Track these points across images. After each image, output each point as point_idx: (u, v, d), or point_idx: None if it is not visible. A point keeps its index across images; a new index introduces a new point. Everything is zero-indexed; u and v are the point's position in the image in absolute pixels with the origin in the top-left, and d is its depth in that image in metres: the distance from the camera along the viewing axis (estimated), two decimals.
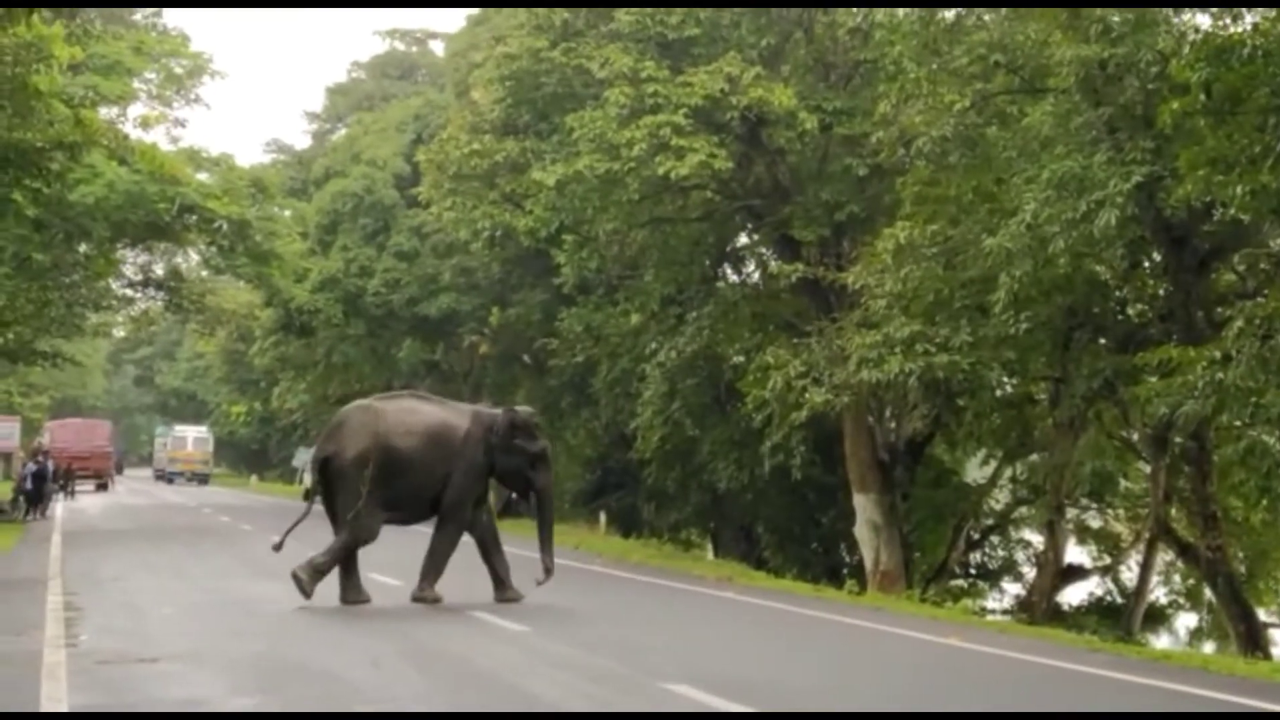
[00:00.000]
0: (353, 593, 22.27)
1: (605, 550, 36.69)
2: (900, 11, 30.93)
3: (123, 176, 43.40)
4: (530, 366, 58.78)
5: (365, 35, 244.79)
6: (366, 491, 22.11)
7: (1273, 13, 22.40)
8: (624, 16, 36.65)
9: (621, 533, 47.61)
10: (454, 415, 23.44)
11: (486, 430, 23.17)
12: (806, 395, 31.87)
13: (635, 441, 44.09)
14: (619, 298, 45.58)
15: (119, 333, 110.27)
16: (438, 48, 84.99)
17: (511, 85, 42.18)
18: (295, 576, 21.94)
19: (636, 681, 14.73)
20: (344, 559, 22.43)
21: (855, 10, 35.38)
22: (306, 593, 21.80)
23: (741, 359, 40.62)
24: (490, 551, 23.27)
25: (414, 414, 22.99)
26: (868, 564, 37.85)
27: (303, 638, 17.97)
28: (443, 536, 23.04)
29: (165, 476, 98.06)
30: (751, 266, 47.47)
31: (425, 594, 22.59)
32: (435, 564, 22.89)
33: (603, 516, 48.79)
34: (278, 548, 22.90)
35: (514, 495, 24.12)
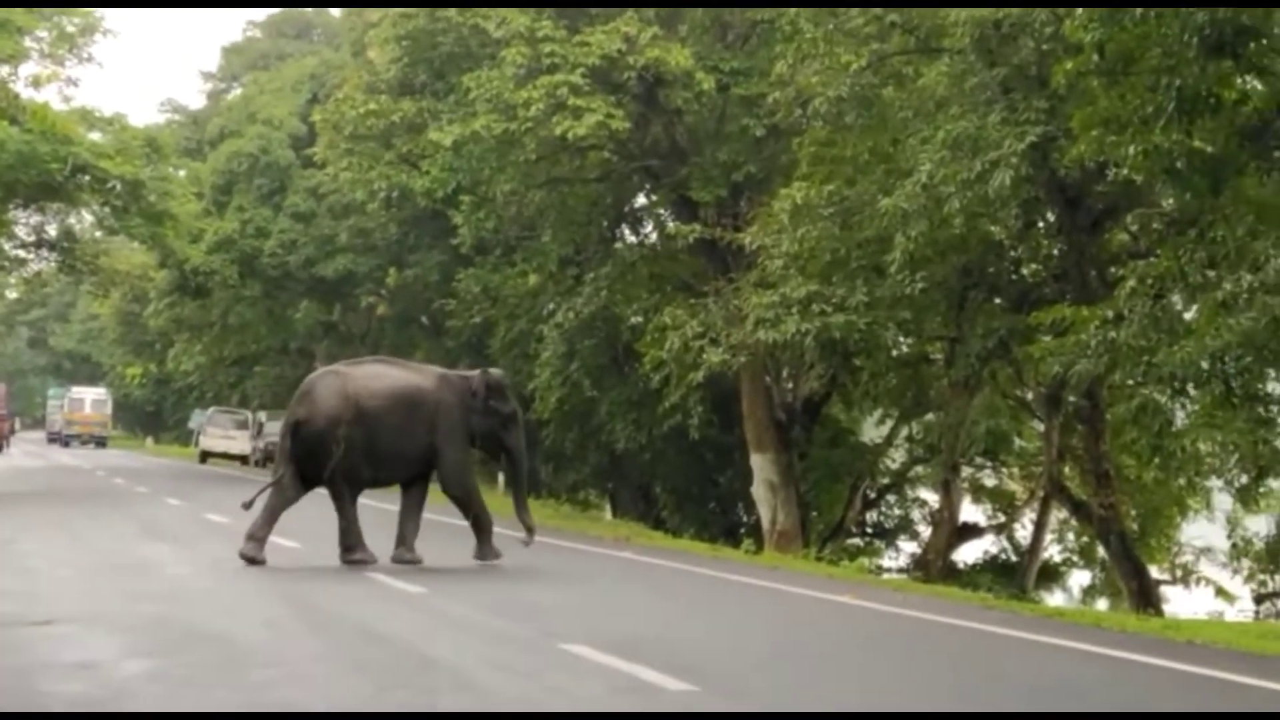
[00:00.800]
0: (254, 547, 22.12)
1: (503, 511, 36.47)
2: None
3: (14, 136, 42.93)
4: (428, 327, 58.64)
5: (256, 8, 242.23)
6: (341, 451, 22.08)
7: None
8: None
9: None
10: (420, 378, 23.43)
11: (461, 393, 23.19)
12: (704, 355, 31.98)
13: (533, 402, 44.07)
14: (516, 258, 45.57)
15: (12, 294, 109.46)
16: (334, 7, 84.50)
17: (408, 45, 42.11)
18: (350, 562, 22.13)
19: (535, 642, 14.73)
20: (347, 515, 22.53)
21: None
22: (369, 560, 22.13)
23: (639, 319, 40.66)
24: (410, 510, 23.22)
25: (381, 377, 22.98)
26: (765, 523, 38.04)
27: (197, 600, 17.85)
28: (471, 503, 23.23)
29: (61, 439, 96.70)
30: (649, 227, 47.58)
31: (486, 556, 22.96)
32: (483, 531, 23.14)
33: (501, 478, 48.68)
34: (247, 506, 23.03)
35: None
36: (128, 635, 14.76)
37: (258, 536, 22.11)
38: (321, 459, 22.33)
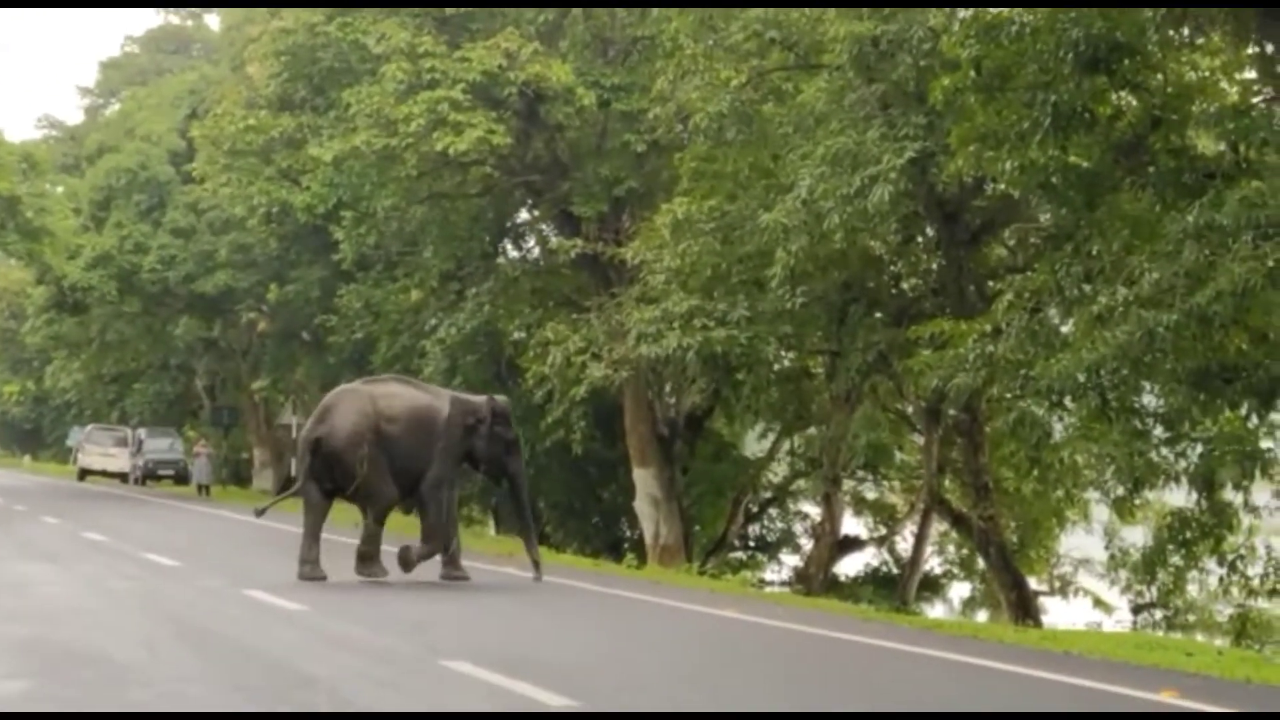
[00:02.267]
0: (310, 569, 22.80)
1: (386, 528, 36.39)
2: None
3: None
4: (309, 343, 58.26)
5: (139, 8, 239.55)
6: (365, 469, 22.76)
7: None
8: None
9: (402, 510, 47.32)
10: (434, 399, 24.12)
11: (465, 415, 23.77)
12: (586, 371, 32.07)
13: None
14: (398, 274, 45.45)
15: None
16: (213, 22, 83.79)
17: (287, 60, 41.94)
18: (361, 576, 23.05)
19: (417, 659, 14.68)
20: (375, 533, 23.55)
21: None
22: (381, 574, 23.11)
23: (522, 335, 40.63)
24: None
25: (398, 397, 23.68)
26: (648, 538, 38.09)
27: (75, 620, 17.66)
28: (431, 515, 23.73)
29: None
30: (532, 242, 47.56)
31: (455, 573, 23.58)
32: (437, 540, 23.68)
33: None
34: (259, 514, 24.76)
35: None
36: (3, 656, 14.60)
37: (309, 559, 22.79)
38: (340, 475, 23.01)
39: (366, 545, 23.27)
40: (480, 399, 24.65)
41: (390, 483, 23.24)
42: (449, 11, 36.63)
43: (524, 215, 46.01)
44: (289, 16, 41.61)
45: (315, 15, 39.88)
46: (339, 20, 38.72)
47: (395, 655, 14.95)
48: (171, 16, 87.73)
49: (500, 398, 25.31)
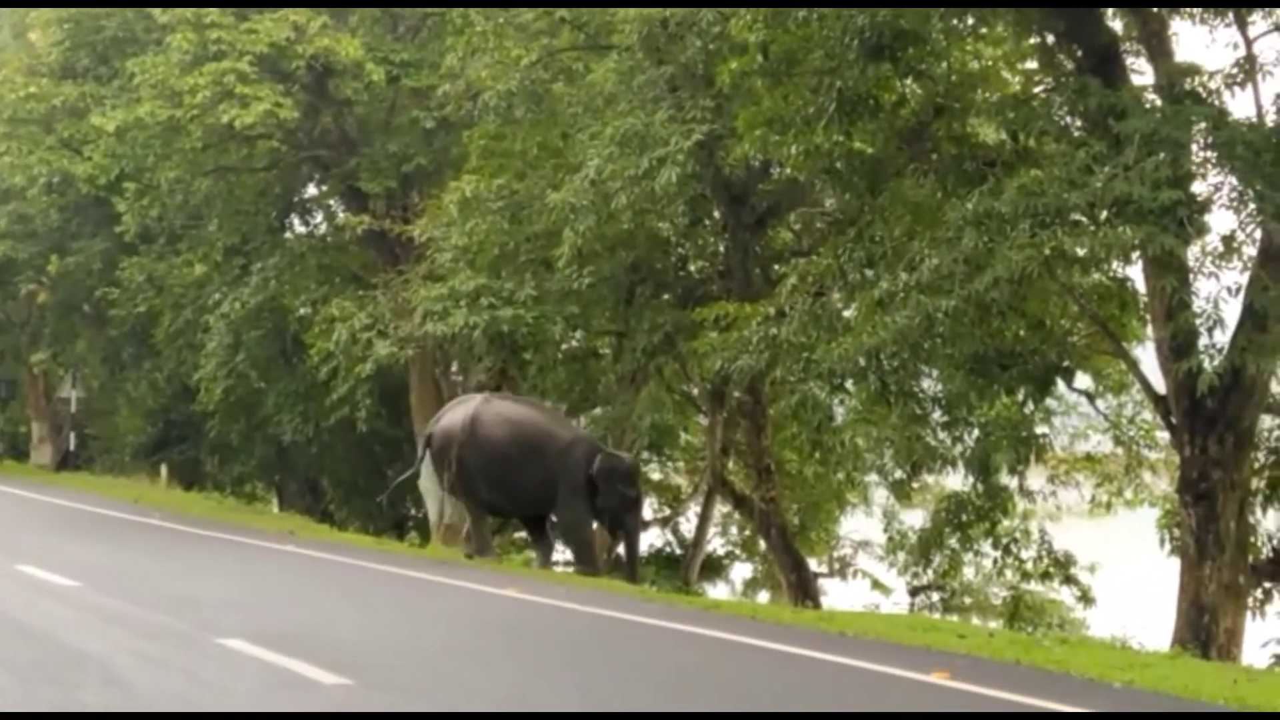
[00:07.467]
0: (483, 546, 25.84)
1: (166, 504, 36.03)
2: None
3: None
4: (90, 316, 57.26)
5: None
6: (455, 469, 25.22)
7: None
8: None
9: (183, 486, 46.78)
10: (552, 424, 26.46)
11: (588, 458, 25.08)
12: (372, 348, 31.85)
13: (198, 394, 43.37)
14: (182, 247, 44.79)
15: None
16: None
17: (70, 27, 41.24)
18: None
19: (190, 636, 14.56)
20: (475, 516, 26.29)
21: None
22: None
23: (307, 311, 40.26)
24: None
25: (505, 412, 25.77)
26: (432, 517, 37.90)
27: None
28: (581, 553, 26.73)
29: None
30: (319, 218, 47.00)
31: None
32: (591, 562, 26.30)
33: (164, 470, 47.89)
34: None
35: None
36: None
37: (466, 536, 26.43)
38: (439, 471, 25.83)
39: (471, 542, 26.02)
40: (604, 451, 25.90)
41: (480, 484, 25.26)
42: None
43: (311, 190, 45.49)
44: None
45: None
46: None
47: (168, 631, 14.80)
48: None
49: (627, 456, 27.20)
